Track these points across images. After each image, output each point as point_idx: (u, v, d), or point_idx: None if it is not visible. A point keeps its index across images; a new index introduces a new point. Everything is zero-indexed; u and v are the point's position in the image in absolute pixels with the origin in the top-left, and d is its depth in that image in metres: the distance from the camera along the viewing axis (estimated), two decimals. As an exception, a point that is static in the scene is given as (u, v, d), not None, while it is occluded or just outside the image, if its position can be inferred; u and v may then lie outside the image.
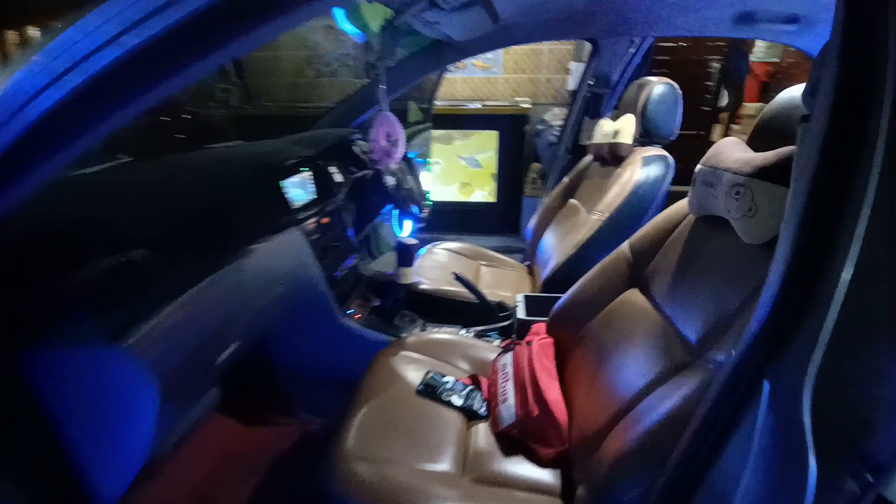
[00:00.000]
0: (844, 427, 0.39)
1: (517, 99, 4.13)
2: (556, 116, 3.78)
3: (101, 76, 0.42)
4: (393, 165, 1.21)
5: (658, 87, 1.37)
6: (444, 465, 0.87)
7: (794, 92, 0.74)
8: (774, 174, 0.66)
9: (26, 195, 0.47)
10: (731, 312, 0.69)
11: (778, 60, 7.76)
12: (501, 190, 3.88)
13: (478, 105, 3.73)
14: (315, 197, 1.32)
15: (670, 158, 1.36)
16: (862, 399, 0.39)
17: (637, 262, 1.00)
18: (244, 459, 1.28)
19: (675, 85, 1.38)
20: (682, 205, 0.97)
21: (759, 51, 8.23)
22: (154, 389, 0.66)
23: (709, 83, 4.69)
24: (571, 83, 3.93)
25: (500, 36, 1.62)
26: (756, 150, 0.77)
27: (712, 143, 0.87)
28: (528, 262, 1.99)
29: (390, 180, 1.26)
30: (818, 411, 0.39)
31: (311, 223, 1.24)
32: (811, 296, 0.40)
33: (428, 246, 1.96)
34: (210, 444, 1.24)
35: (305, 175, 1.29)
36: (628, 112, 1.46)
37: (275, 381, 1.36)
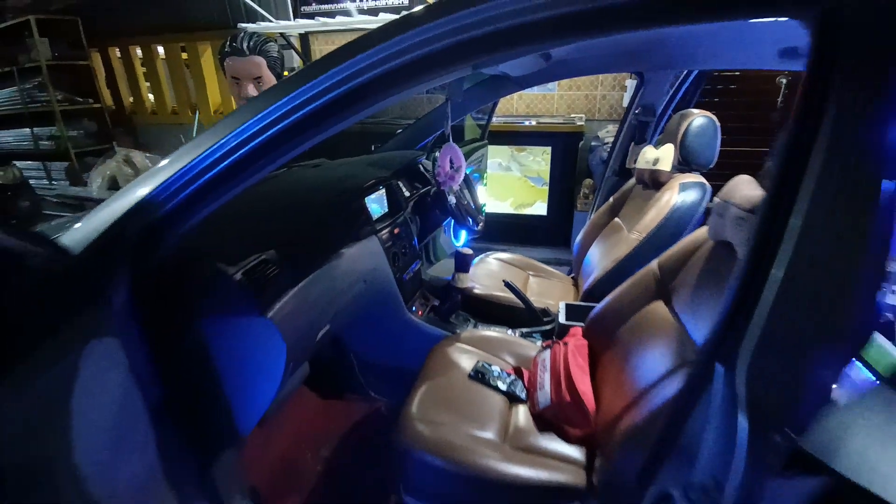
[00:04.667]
0: (773, 396, 0.55)
1: (572, 116, 4.25)
2: (609, 134, 3.86)
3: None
4: (455, 186, 1.44)
5: (698, 119, 1.50)
6: (489, 434, 1.07)
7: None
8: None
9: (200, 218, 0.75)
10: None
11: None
12: (553, 204, 4.01)
13: (533, 122, 3.90)
14: (388, 211, 1.58)
15: (707, 185, 1.48)
16: (788, 377, 0.55)
17: (663, 278, 1.16)
18: (323, 427, 1.55)
19: (714, 117, 1.50)
20: (703, 230, 1.11)
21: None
22: (283, 351, 0.92)
23: (776, 99, 4.54)
24: (627, 100, 4.00)
25: (553, 71, 1.81)
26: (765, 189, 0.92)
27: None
28: (573, 274, 2.14)
29: (452, 199, 1.49)
30: (751, 385, 0.55)
31: (385, 233, 1.49)
32: (754, 295, 0.56)
33: (482, 255, 2.18)
34: (299, 410, 1.52)
35: (381, 192, 1.55)
36: (670, 141, 1.60)
37: (349, 364, 1.63)
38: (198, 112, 5.30)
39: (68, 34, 5.18)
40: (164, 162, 0.74)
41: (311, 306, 1.10)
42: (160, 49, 5.47)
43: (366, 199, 1.42)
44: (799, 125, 0.55)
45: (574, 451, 1.06)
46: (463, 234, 2.38)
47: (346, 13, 4.80)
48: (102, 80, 5.78)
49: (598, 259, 1.74)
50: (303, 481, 1.34)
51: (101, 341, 0.65)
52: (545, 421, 1.13)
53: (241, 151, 0.73)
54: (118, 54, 5.75)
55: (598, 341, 1.27)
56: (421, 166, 1.96)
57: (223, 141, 0.73)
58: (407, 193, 1.75)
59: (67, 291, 0.63)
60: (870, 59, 0.51)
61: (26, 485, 0.57)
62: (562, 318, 1.49)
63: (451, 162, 1.42)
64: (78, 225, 0.68)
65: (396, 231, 1.56)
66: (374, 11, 4.48)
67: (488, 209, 3.98)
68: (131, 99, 6.02)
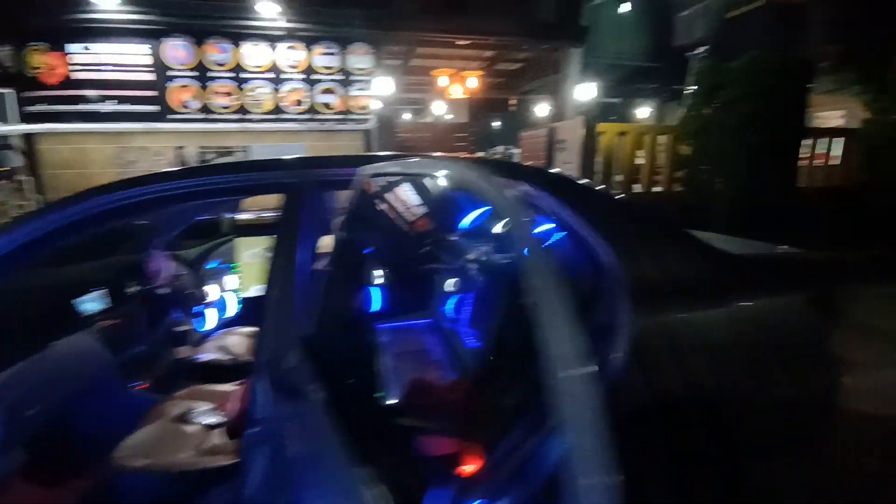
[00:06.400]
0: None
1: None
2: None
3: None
4: (164, 280, 1.95)
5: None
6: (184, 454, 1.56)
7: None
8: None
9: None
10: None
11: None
12: (311, 280, 4.68)
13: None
14: (110, 306, 1.95)
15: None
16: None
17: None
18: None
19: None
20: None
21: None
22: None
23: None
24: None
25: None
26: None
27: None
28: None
29: (166, 291, 1.98)
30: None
31: (104, 324, 1.86)
32: None
33: (222, 331, 2.62)
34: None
35: (100, 292, 1.92)
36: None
37: (73, 445, 1.84)
38: None
39: None
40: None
41: (20, 386, 1.43)
42: None
43: (79, 299, 1.79)
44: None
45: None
46: (211, 315, 2.76)
47: (87, 115, 4.78)
48: None
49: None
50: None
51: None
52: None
53: None
54: None
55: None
56: (147, 264, 2.36)
57: None
58: (131, 290, 2.14)
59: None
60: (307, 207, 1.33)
61: None
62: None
63: (159, 264, 1.93)
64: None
65: (119, 321, 1.94)
66: (118, 116, 4.63)
67: (250, 294, 4.39)
68: None
